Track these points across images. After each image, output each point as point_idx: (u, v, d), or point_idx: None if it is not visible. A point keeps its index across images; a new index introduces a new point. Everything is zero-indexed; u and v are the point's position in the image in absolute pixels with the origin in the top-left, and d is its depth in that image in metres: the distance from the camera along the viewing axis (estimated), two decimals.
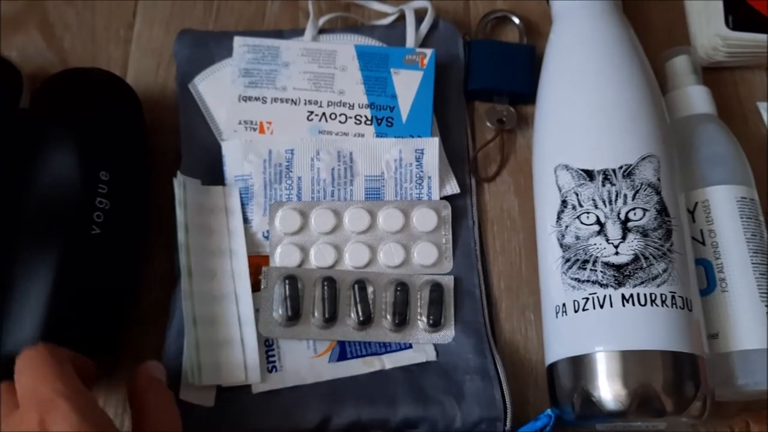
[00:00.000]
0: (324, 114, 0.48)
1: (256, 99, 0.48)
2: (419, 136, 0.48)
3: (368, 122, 0.48)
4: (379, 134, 0.48)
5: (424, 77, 0.49)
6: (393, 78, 0.49)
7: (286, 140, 0.47)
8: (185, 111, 0.50)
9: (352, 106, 0.48)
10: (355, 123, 0.48)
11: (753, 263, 0.42)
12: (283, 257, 0.45)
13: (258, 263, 0.45)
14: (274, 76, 0.48)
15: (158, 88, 0.52)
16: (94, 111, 0.45)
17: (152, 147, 0.49)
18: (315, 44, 0.50)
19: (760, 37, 0.51)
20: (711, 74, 0.54)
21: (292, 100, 0.48)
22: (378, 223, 0.46)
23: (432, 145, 0.47)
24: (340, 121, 0.48)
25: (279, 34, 0.53)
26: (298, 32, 0.52)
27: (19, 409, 0.32)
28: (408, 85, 0.49)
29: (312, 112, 0.48)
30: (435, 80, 0.49)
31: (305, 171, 0.47)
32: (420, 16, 0.53)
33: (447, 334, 0.44)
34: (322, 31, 0.52)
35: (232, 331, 0.42)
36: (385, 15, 0.54)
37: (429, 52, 0.49)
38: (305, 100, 0.48)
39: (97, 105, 0.46)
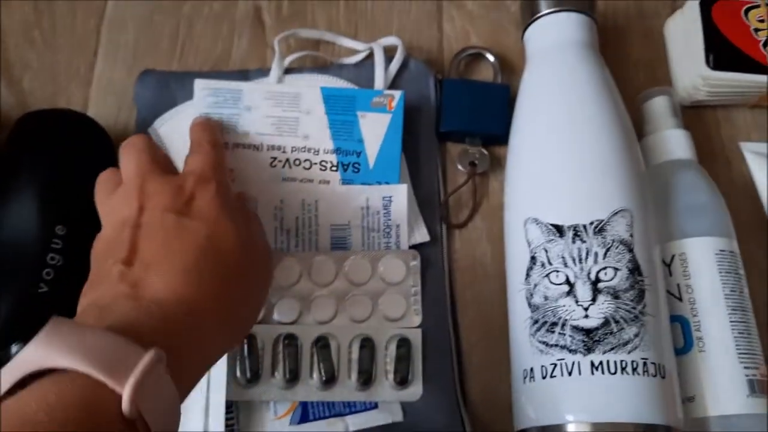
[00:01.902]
0: (288, 160, 0.46)
1: None
2: (386, 183, 0.46)
3: (334, 168, 0.46)
4: (345, 181, 0.46)
5: (392, 121, 0.47)
6: (360, 121, 0.47)
7: (249, 189, 0.45)
8: None
9: (317, 152, 0.46)
10: (320, 169, 0.46)
11: (731, 321, 0.40)
12: None
13: None
14: (236, 120, 0.47)
15: (119, 131, 0.50)
16: (62, 159, 0.44)
17: None
18: (279, 87, 0.48)
19: (741, 77, 0.49)
20: (693, 113, 0.52)
21: (255, 146, 0.46)
22: (344, 274, 0.44)
23: (400, 192, 0.45)
24: (304, 167, 0.46)
25: (244, 74, 0.51)
26: (264, 72, 0.51)
27: (124, 184, 0.36)
28: (375, 129, 0.47)
29: (275, 158, 0.46)
30: (405, 121, 0.48)
31: (268, 220, 0.45)
32: (391, 54, 0.51)
33: (414, 392, 0.42)
34: (289, 70, 0.51)
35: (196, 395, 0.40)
36: (355, 52, 0.52)
37: (397, 94, 0.48)
38: (268, 146, 0.46)
39: (67, 152, 0.44)
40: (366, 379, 0.42)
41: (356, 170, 0.46)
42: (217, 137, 0.43)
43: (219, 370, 0.41)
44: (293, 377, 0.41)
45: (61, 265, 0.41)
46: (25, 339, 0.25)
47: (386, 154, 0.47)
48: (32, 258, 0.40)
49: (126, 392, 0.24)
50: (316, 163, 0.46)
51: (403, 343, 0.43)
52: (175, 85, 0.50)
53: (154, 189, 0.35)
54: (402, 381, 0.42)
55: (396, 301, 0.44)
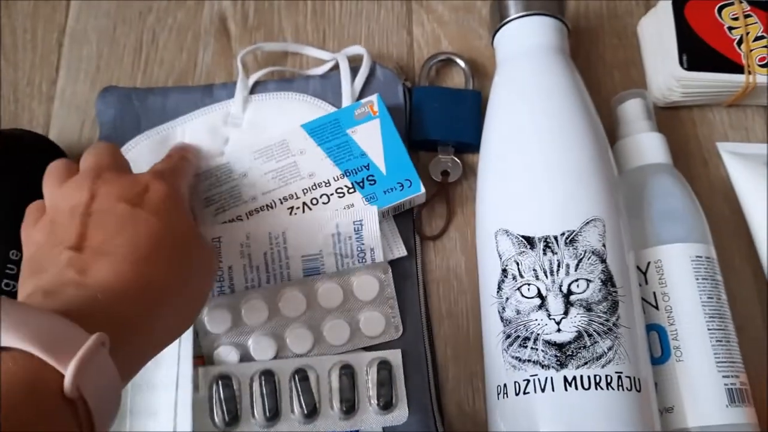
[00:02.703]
0: (304, 203, 0.45)
1: (232, 221, 0.45)
2: (408, 180, 0.45)
3: (351, 190, 0.45)
4: (367, 197, 0.44)
5: (382, 123, 0.46)
6: (353, 138, 0.46)
7: (215, 228, 0.44)
8: None
9: (328, 183, 0.45)
10: (339, 197, 0.45)
11: (709, 329, 0.39)
12: (219, 359, 0.41)
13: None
14: (237, 191, 0.45)
15: (83, 147, 0.48)
16: (16, 181, 0.42)
17: None
18: (263, 142, 0.46)
19: (716, 76, 0.48)
20: (668, 114, 0.51)
21: (268, 205, 0.45)
22: (316, 301, 0.43)
23: (371, 215, 0.44)
24: (323, 203, 0.45)
25: (209, 90, 0.50)
26: (228, 88, 0.49)
27: (79, 174, 0.36)
28: (371, 138, 0.46)
29: (293, 207, 0.45)
30: None
31: (235, 259, 0.43)
32: (358, 62, 0.50)
33: (399, 416, 0.41)
34: (256, 83, 0.49)
35: None
36: (322, 62, 0.51)
37: (374, 98, 0.47)
38: (280, 199, 0.45)
39: (21, 174, 0.43)
40: (349, 407, 0.40)
41: (372, 182, 0.45)
42: (189, 153, 0.43)
43: (186, 367, 0.40)
44: (274, 414, 0.40)
45: (15, 291, 0.39)
46: None
47: (393, 155, 0.45)
48: None
49: (69, 372, 0.25)
50: (332, 194, 0.45)
51: (384, 366, 0.41)
52: (138, 102, 0.48)
53: (109, 179, 0.35)
54: (386, 405, 0.41)
55: (374, 318, 0.43)
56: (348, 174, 0.45)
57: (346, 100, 0.48)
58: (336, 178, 0.45)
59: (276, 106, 0.48)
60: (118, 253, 0.31)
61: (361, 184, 0.45)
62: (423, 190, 0.45)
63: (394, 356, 0.42)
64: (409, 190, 0.45)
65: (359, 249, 0.44)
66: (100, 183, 0.35)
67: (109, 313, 0.29)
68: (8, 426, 0.23)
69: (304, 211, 0.44)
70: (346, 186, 0.45)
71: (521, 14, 0.46)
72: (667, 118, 0.51)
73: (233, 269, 0.43)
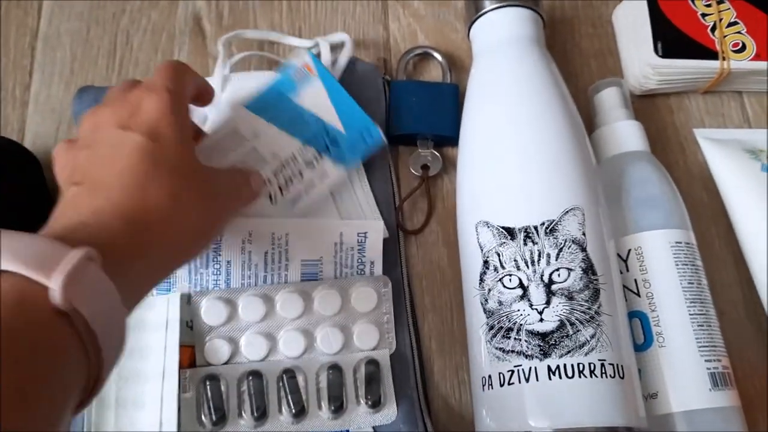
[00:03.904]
0: (281, 187, 0.44)
1: None
2: (366, 129, 0.44)
3: (318, 158, 0.44)
4: (336, 158, 0.44)
5: (324, 81, 0.45)
6: (300, 104, 0.45)
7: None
8: None
9: (295, 158, 0.44)
10: (311, 168, 0.44)
11: (690, 314, 0.40)
12: (210, 353, 0.41)
13: (184, 356, 0.40)
14: None
15: None
16: None
17: None
18: (210, 139, 0.44)
19: (691, 63, 0.49)
20: (645, 101, 0.52)
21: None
22: (313, 306, 0.42)
23: (376, 229, 0.44)
24: (298, 180, 0.44)
25: None
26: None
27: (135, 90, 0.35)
28: (318, 99, 0.45)
29: (271, 195, 0.44)
30: None
31: (235, 255, 0.43)
32: (336, 54, 0.50)
33: (388, 414, 0.41)
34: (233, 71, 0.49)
35: None
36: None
37: (307, 56, 0.46)
38: None
39: None
40: (338, 406, 0.40)
41: (336, 144, 0.44)
42: (186, 66, 0.39)
43: (171, 361, 0.39)
44: (261, 414, 0.40)
45: None
46: None
47: (345, 110, 0.45)
48: None
49: (54, 283, 0.25)
50: (303, 168, 0.44)
51: (372, 365, 0.41)
52: None
53: (114, 103, 0.35)
54: (374, 404, 0.40)
55: (368, 331, 0.42)
56: (310, 142, 0.44)
57: None
58: (300, 151, 0.44)
59: (255, 84, 0.48)
60: (112, 182, 0.32)
61: (327, 148, 0.44)
62: (382, 135, 0.45)
63: (382, 355, 0.42)
64: (371, 139, 0.44)
65: (359, 261, 0.44)
66: (100, 109, 0.35)
67: (98, 232, 0.29)
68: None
69: (282, 194, 0.44)
70: (313, 155, 0.44)
71: (496, 6, 0.46)
72: (644, 105, 0.51)
73: (231, 264, 0.43)
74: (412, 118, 0.49)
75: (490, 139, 0.41)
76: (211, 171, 0.37)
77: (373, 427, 0.41)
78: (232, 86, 0.48)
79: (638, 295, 0.41)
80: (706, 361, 0.39)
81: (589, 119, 0.48)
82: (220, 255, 0.43)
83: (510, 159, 0.40)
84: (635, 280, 0.41)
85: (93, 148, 0.33)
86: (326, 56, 0.49)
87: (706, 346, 0.39)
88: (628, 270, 0.41)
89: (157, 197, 0.32)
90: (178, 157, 0.34)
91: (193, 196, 0.34)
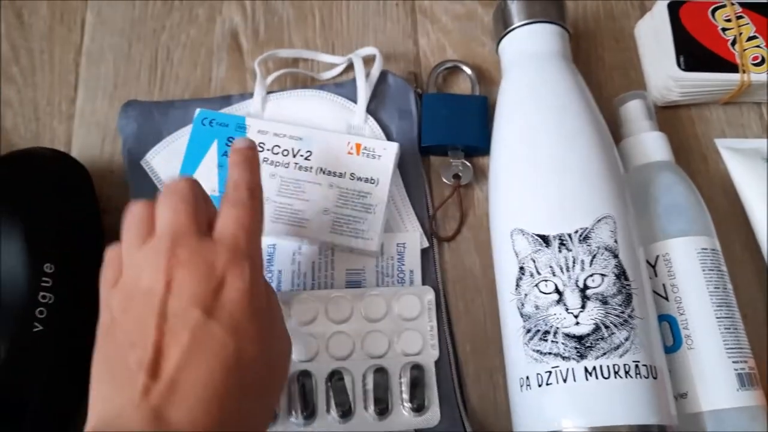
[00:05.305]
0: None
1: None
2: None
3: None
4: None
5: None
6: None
7: (269, 237, 0.46)
8: (137, 188, 0.48)
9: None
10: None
11: (717, 318, 0.41)
12: None
13: None
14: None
15: (104, 163, 0.51)
16: (43, 197, 0.44)
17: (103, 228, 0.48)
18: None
19: (711, 76, 0.50)
20: (667, 113, 0.53)
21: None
22: (360, 311, 0.44)
23: (414, 239, 0.47)
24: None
25: (227, 99, 0.51)
26: (245, 97, 0.51)
27: (156, 239, 0.34)
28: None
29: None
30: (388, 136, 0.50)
31: (286, 265, 0.46)
32: (369, 66, 0.52)
33: (432, 417, 0.42)
34: (270, 93, 0.51)
35: None
36: (335, 67, 0.53)
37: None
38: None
39: (48, 190, 0.44)
40: (383, 408, 0.42)
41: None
42: (257, 178, 0.38)
43: None
44: (310, 414, 0.42)
45: (52, 303, 0.41)
46: None
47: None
48: (24, 298, 0.41)
49: None
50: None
51: (417, 369, 0.43)
52: (159, 116, 0.50)
53: (185, 258, 0.33)
54: (419, 408, 0.42)
55: (413, 338, 0.44)
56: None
57: (362, 97, 0.50)
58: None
59: (294, 102, 0.50)
60: (193, 391, 0.30)
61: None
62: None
63: (426, 360, 0.44)
64: None
65: (399, 269, 0.46)
66: (175, 262, 0.33)
67: None
68: None
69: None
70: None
71: (524, 22, 0.48)
72: (666, 117, 0.53)
73: (283, 273, 0.45)
74: (443, 129, 0.51)
75: (523, 149, 0.43)
76: (280, 359, 0.36)
77: (415, 430, 0.42)
78: (271, 106, 0.50)
79: (667, 299, 0.42)
80: (733, 362, 0.40)
81: (613, 130, 0.49)
82: (272, 265, 0.45)
83: (544, 169, 0.42)
84: (663, 285, 0.43)
85: (170, 322, 0.31)
86: (359, 68, 0.51)
87: (734, 348, 0.41)
88: (656, 275, 0.43)
89: (233, 412, 0.31)
90: (257, 362, 0.33)
91: (264, 400, 0.34)
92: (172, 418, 0.29)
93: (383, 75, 0.52)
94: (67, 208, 0.45)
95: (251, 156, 0.38)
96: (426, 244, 0.47)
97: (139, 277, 0.33)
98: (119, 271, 0.35)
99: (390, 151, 0.47)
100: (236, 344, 0.32)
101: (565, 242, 0.40)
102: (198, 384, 0.30)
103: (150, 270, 0.33)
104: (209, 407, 0.30)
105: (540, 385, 0.38)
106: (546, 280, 0.39)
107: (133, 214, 0.36)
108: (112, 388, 0.31)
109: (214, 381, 0.31)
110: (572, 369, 0.37)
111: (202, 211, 0.36)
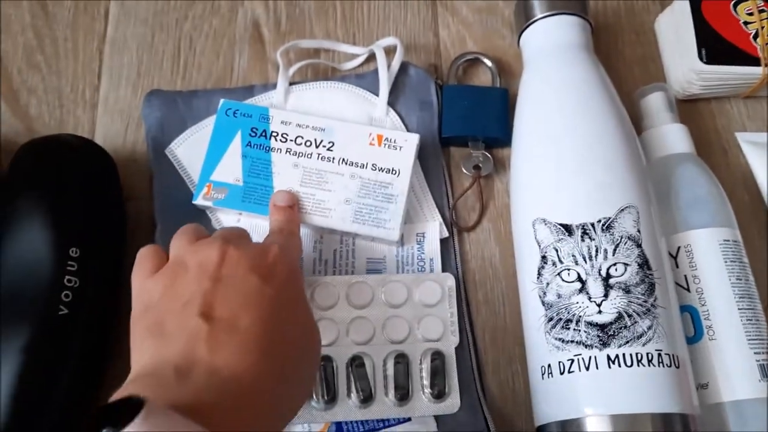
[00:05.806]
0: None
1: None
2: None
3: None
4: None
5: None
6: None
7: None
8: (161, 177, 0.49)
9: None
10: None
11: (739, 309, 0.41)
12: None
13: None
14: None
15: (128, 151, 0.51)
16: (70, 183, 0.44)
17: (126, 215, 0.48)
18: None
19: (733, 69, 0.50)
20: (688, 106, 0.53)
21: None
22: (381, 297, 0.45)
23: (433, 229, 0.47)
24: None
25: (249, 90, 0.52)
26: (267, 87, 0.52)
27: (208, 238, 0.37)
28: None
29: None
30: (408, 128, 0.50)
31: (308, 252, 0.46)
32: (390, 56, 0.52)
33: (452, 404, 0.43)
34: (291, 83, 0.51)
35: None
36: (356, 57, 0.53)
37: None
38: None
39: (73, 176, 0.45)
40: (403, 394, 0.42)
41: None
42: (296, 226, 0.44)
43: None
44: (331, 398, 0.42)
45: (78, 287, 0.41)
46: (113, 424, 0.25)
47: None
48: (50, 282, 0.41)
49: None
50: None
51: (437, 356, 0.43)
52: (182, 105, 0.50)
53: (240, 244, 0.36)
54: (439, 395, 0.42)
55: (433, 323, 0.44)
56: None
57: (384, 89, 0.50)
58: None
59: (316, 94, 0.51)
60: (246, 334, 0.31)
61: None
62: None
63: (447, 347, 0.44)
64: None
65: (420, 258, 0.46)
66: (230, 246, 0.35)
67: (237, 406, 0.29)
68: None
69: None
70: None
71: (547, 14, 0.48)
72: (687, 110, 0.53)
73: (304, 260, 0.46)
74: (463, 120, 0.51)
75: (545, 140, 0.43)
76: (315, 327, 0.37)
77: (435, 416, 0.43)
78: (293, 97, 0.50)
79: (688, 290, 0.43)
80: (755, 353, 0.40)
81: (634, 123, 0.50)
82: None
83: (566, 159, 0.42)
84: (685, 276, 0.43)
85: (224, 283, 0.33)
86: (381, 58, 0.51)
87: (755, 339, 0.41)
88: (677, 266, 0.43)
89: (283, 362, 0.33)
90: (297, 329, 0.35)
91: (300, 368, 0.35)
92: (227, 358, 0.30)
93: (404, 66, 0.52)
94: (92, 193, 0.45)
95: (291, 216, 0.44)
96: (446, 234, 0.48)
97: (189, 260, 0.35)
98: (157, 264, 0.36)
99: (411, 142, 0.47)
100: (286, 306, 0.34)
101: (587, 231, 0.40)
102: (248, 330, 0.32)
103: (204, 250, 0.35)
104: (261, 355, 0.31)
105: (562, 373, 0.38)
106: (569, 269, 0.39)
107: (186, 226, 0.39)
108: (161, 342, 0.32)
109: (262, 329, 0.32)
110: (595, 357, 0.37)
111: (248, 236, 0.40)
